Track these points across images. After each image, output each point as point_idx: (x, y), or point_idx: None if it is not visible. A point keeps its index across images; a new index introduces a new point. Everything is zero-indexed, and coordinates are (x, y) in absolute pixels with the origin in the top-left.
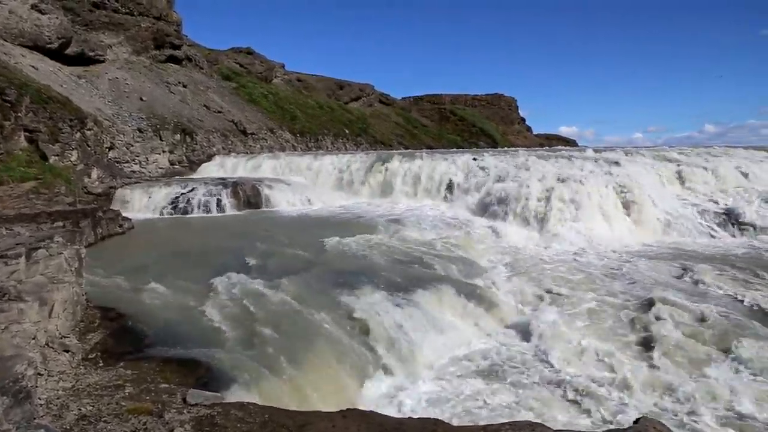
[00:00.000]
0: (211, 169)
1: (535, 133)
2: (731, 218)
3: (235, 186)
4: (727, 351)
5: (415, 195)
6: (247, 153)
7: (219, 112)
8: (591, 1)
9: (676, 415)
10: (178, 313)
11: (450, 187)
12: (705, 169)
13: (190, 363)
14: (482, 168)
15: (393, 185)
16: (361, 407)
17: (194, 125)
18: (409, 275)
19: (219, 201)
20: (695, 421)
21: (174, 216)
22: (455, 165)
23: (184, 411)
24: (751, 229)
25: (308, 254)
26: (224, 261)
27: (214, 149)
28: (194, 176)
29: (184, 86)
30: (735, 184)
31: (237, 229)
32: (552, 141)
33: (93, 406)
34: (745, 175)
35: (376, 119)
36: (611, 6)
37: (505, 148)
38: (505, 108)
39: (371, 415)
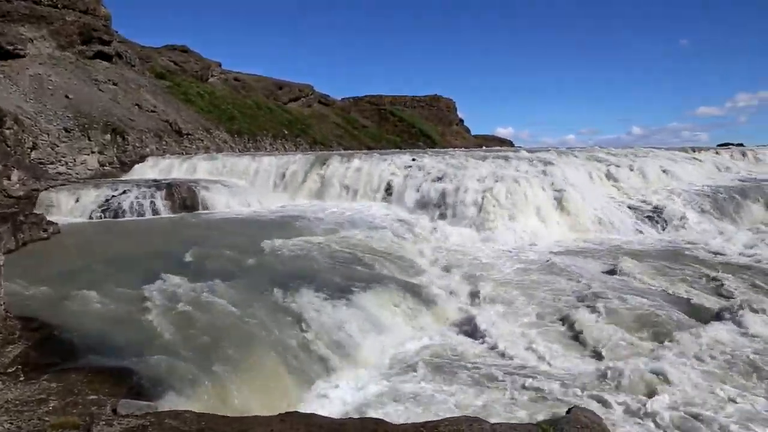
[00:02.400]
0: (144, 171)
1: (473, 134)
2: (656, 215)
3: (169, 188)
4: (655, 341)
5: (355, 196)
6: (182, 154)
7: (152, 111)
8: (525, 9)
9: (607, 404)
10: (110, 320)
11: (389, 187)
12: (632, 168)
13: (121, 372)
14: (421, 168)
15: (332, 186)
16: (302, 410)
17: (125, 125)
18: (350, 276)
19: (153, 203)
20: (624, 411)
21: (104, 220)
22: (394, 165)
23: (114, 423)
24: (675, 225)
25: (247, 257)
26: (159, 265)
27: (147, 150)
28: (126, 178)
29: (115, 84)
30: (659, 183)
31: (172, 233)
32: (489, 142)
33: (12, 423)
34: (668, 174)
35: (315, 120)
36: (544, 13)
37: (444, 149)
38: (443, 109)
39: (311, 417)
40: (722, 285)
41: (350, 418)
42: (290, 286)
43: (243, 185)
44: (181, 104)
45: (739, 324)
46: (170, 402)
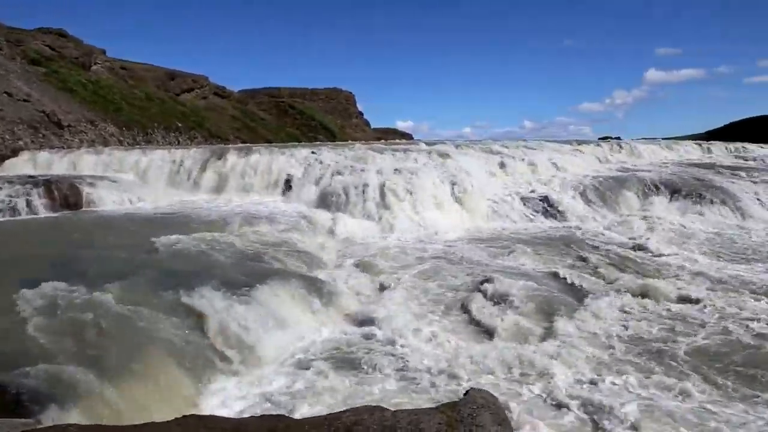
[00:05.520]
0: (17, 166)
1: (373, 127)
2: (546, 204)
3: (48, 184)
4: (544, 321)
5: (254, 190)
6: (63, 148)
7: (26, 101)
8: (423, 5)
9: (504, 385)
10: None
11: (289, 181)
12: (523, 160)
13: None
14: (321, 162)
15: (230, 181)
16: (202, 412)
17: None
18: (249, 272)
19: (29, 202)
20: (520, 389)
21: None
22: (294, 159)
23: None
24: (561, 214)
25: (139, 256)
26: (38, 270)
27: (21, 143)
28: None
29: None
30: (548, 174)
31: (53, 234)
32: (389, 135)
33: None
34: (556, 166)
35: (211, 112)
36: (442, 11)
37: (344, 142)
38: (343, 102)
39: (209, 419)
40: (600, 267)
41: (251, 416)
42: (187, 284)
43: (134, 181)
44: (60, 93)
45: (613, 301)
46: (53, 416)
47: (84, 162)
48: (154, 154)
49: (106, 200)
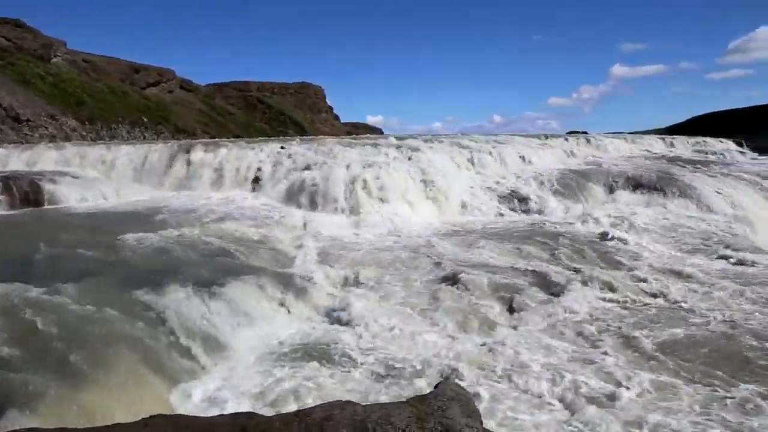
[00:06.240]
0: None
1: (342, 121)
2: (515, 198)
3: (7, 181)
4: (511, 314)
5: (222, 186)
6: (22, 143)
7: None
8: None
9: (474, 378)
10: None
11: (258, 176)
12: (492, 155)
13: None
14: (290, 156)
15: (197, 176)
16: (170, 411)
17: None
18: (218, 268)
19: None
20: (490, 383)
21: None
22: (263, 154)
23: None
24: (530, 207)
25: (104, 255)
26: None
27: None
28: None
29: None
30: (517, 168)
31: (13, 232)
32: (359, 129)
33: None
34: (524, 160)
35: (178, 106)
36: (412, 7)
37: (314, 137)
38: (312, 96)
39: (178, 418)
40: (568, 260)
41: (221, 414)
42: (153, 282)
43: (97, 177)
44: (17, 87)
45: (582, 294)
46: (13, 421)
47: (44, 158)
48: (120, 149)
49: (69, 197)
